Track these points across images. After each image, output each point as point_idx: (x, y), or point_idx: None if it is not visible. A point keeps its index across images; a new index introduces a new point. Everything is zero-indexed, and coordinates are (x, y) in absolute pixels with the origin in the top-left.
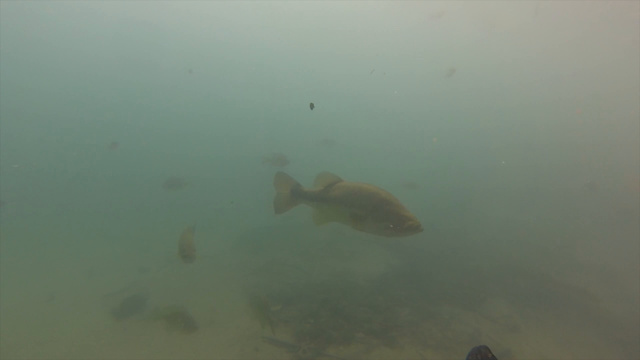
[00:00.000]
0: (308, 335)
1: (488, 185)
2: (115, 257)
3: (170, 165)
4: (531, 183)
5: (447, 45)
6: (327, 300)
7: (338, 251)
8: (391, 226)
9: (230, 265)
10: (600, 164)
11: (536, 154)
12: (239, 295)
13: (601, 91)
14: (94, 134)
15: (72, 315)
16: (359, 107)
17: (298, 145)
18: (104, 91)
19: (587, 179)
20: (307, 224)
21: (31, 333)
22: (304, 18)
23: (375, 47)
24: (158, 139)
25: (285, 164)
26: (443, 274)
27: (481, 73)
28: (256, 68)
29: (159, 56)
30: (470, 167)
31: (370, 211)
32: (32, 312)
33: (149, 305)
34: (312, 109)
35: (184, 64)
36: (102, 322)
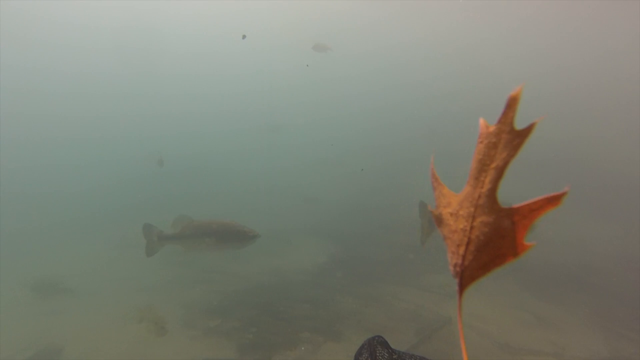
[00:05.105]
0: (251, 347)
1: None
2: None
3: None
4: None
5: None
6: (267, 304)
7: (271, 248)
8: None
9: (160, 283)
10: None
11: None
12: (178, 316)
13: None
14: None
15: None
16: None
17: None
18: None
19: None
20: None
21: None
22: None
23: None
24: None
25: (162, 164)
26: (379, 254)
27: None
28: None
29: None
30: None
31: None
32: None
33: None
34: (243, 38)
35: None
36: None
